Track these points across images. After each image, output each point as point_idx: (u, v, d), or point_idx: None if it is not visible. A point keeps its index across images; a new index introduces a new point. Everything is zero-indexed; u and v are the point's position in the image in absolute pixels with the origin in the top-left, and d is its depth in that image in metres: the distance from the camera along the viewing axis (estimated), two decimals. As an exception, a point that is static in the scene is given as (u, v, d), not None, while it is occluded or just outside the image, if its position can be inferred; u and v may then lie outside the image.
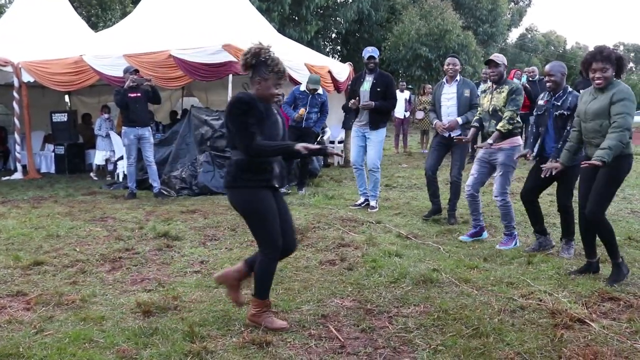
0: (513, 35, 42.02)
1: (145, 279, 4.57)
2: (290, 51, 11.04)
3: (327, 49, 31.39)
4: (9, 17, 13.09)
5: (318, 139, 11.51)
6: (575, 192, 4.97)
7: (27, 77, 10.70)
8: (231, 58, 8.91)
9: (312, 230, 6.13)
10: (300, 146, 3.27)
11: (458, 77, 6.71)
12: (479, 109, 5.99)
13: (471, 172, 5.89)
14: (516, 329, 3.53)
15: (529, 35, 43.50)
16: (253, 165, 3.37)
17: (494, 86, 5.75)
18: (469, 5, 29.47)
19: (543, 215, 5.51)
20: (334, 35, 31.69)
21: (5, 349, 3.17)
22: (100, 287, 4.34)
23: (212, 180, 8.68)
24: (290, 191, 8.55)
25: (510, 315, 3.78)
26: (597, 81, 4.30)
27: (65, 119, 11.87)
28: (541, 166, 4.99)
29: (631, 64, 52.27)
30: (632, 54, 52.22)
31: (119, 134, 9.55)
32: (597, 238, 4.62)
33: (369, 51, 7.38)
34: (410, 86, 19.63)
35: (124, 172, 9.72)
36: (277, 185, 3.52)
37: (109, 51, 9.96)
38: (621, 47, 55.71)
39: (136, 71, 8.57)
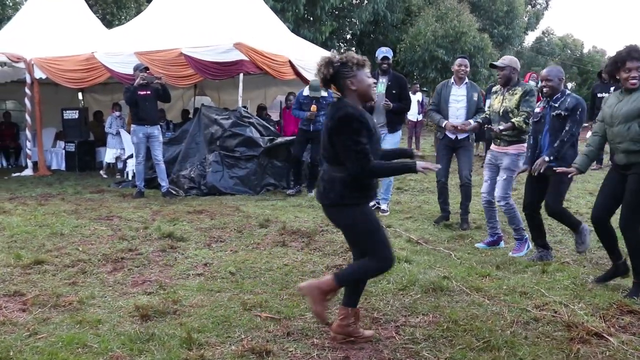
0: (530, 39, 41.63)
1: (147, 281, 4.45)
2: (303, 51, 10.92)
3: (342, 50, 31.25)
4: (24, 14, 13.09)
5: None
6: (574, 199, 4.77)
7: (39, 74, 10.70)
8: (242, 57, 8.82)
9: (320, 234, 5.99)
10: (421, 166, 3.12)
11: (466, 79, 6.56)
12: (488, 109, 5.84)
13: (484, 179, 5.74)
14: (529, 343, 3.36)
15: (546, 39, 43.02)
16: (361, 184, 3.19)
17: (507, 87, 5.58)
18: (485, 7, 29.19)
19: (545, 230, 5.32)
20: (348, 36, 31.55)
21: (-4, 353, 3.07)
22: (99, 288, 4.23)
23: (221, 180, 8.57)
24: (301, 192, 8.42)
25: (523, 328, 3.61)
26: (632, 81, 4.06)
27: (77, 116, 11.84)
28: (533, 167, 4.87)
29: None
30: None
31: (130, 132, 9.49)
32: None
33: (383, 52, 7.23)
34: (425, 88, 19.43)
35: (133, 170, 9.65)
36: (373, 202, 3.41)
37: (120, 49, 9.90)
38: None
39: (146, 69, 8.48)
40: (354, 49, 31.98)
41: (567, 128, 4.78)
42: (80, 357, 3.06)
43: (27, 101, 11.17)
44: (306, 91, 8.60)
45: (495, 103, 5.64)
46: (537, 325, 3.66)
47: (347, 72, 3.17)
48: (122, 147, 10.94)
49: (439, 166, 3.36)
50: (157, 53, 9.44)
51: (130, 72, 8.80)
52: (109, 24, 18.98)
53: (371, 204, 7.22)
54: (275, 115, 13.29)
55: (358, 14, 26.36)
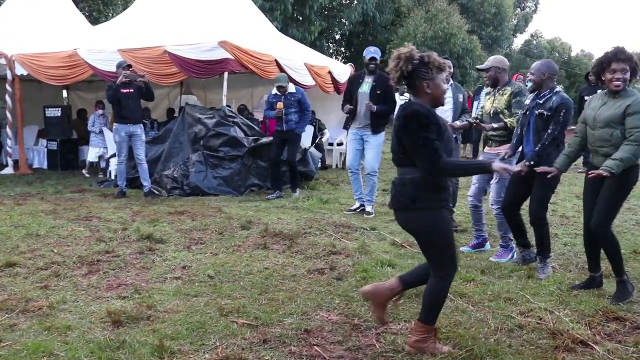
0: (518, 41, 41.78)
1: (122, 284, 4.31)
2: (290, 51, 10.82)
3: (331, 50, 31.15)
4: (6, 9, 12.86)
5: (317, 141, 11.31)
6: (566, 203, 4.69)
7: (20, 70, 10.49)
8: (227, 55, 8.69)
9: (303, 236, 5.87)
10: (498, 167, 2.99)
11: (451, 81, 6.48)
12: (480, 110, 5.76)
13: (472, 182, 5.65)
14: (513, 351, 3.27)
15: (534, 42, 43.19)
16: (432, 184, 3.05)
17: (497, 88, 5.49)
18: (474, 9, 29.22)
19: (526, 228, 5.23)
20: (338, 36, 31.46)
21: (-44, 361, 2.93)
22: (72, 292, 4.09)
23: (204, 180, 8.42)
24: (284, 194, 8.29)
25: (507, 335, 3.51)
26: (616, 82, 4.00)
27: (59, 114, 11.64)
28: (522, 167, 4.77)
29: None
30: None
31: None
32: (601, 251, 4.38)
33: (371, 52, 7.13)
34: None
35: (115, 169, 9.48)
36: (450, 205, 3.26)
37: (104, 45, 9.74)
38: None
39: (129, 66, 8.32)
40: (343, 49, 31.94)
41: (549, 130, 4.63)
42: (45, 366, 2.93)
43: (8, 98, 10.96)
44: (274, 90, 8.38)
45: (488, 104, 5.56)
46: (522, 332, 3.57)
47: (425, 73, 3.05)
48: (105, 145, 10.75)
49: (517, 168, 3.20)
50: (140, 50, 9.29)
51: (114, 69, 8.63)
52: (95, 21, 18.77)
53: (356, 205, 7.25)
54: (261, 115, 13.16)
55: (347, 14, 26.28)
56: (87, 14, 21.25)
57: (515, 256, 5.35)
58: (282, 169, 8.55)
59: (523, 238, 5.16)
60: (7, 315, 3.60)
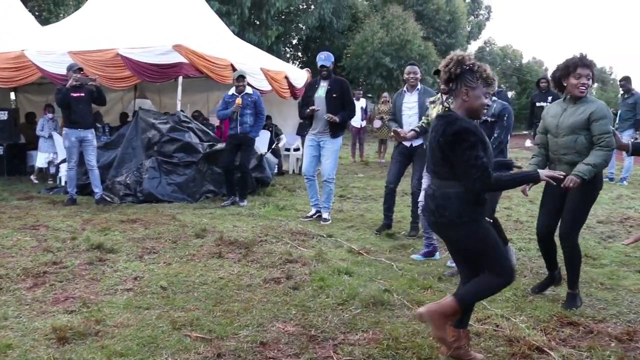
0: (472, 48, 42.60)
1: (69, 297, 4.12)
2: (247, 55, 10.71)
3: (288, 55, 31.09)
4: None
5: (273, 146, 11.21)
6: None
7: (-37, 72, 10.02)
8: (182, 59, 8.53)
9: (259, 244, 5.77)
10: (545, 175, 2.94)
11: (419, 86, 6.50)
12: (425, 119, 5.78)
13: (423, 187, 5.63)
14: (471, 360, 3.26)
15: (487, 49, 44.15)
16: (477, 199, 3.04)
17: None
18: (429, 16, 29.64)
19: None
20: (295, 41, 31.43)
21: None
22: (15, 307, 3.88)
23: (158, 187, 8.22)
24: (235, 202, 8.13)
25: (464, 344, 3.50)
26: (582, 88, 4.04)
27: (6, 118, 11.16)
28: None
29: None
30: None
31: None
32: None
33: (321, 59, 7.10)
34: (369, 95, 19.47)
35: (65, 176, 9.17)
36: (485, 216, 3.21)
37: (53, 47, 9.40)
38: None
39: (80, 69, 8.07)
40: (300, 54, 31.94)
41: (495, 135, 4.79)
42: (-17, 388, 2.76)
43: (-50, 101, 10.49)
44: (231, 91, 8.24)
45: (434, 113, 5.57)
46: (479, 340, 3.57)
47: (470, 80, 3.02)
48: (54, 151, 10.38)
49: (563, 174, 3.15)
50: (92, 53, 9.01)
51: (64, 71, 8.35)
52: (45, 21, 18.19)
53: (313, 212, 7.19)
54: (217, 120, 12.98)
55: (304, 19, 26.29)
56: (36, 13, 20.59)
57: (439, 256, 5.55)
58: (237, 175, 8.39)
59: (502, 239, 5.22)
60: (-57, 334, 3.40)
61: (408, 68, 6.57)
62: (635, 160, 11.89)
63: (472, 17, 38.12)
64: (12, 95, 14.29)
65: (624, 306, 4.27)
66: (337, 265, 5.08)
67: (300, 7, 27.57)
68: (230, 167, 8.18)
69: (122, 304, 3.97)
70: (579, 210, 4.16)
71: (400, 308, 4.11)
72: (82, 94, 7.89)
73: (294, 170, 12.31)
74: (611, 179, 11.24)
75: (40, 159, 10.57)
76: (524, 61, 46.32)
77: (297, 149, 12.32)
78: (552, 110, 4.31)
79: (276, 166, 10.76)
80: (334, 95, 6.96)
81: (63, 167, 9.59)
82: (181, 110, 9.13)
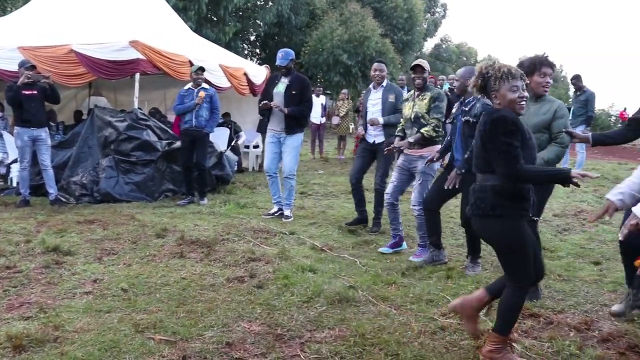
0: (429, 45, 43.12)
1: (25, 303, 3.98)
2: (205, 52, 10.55)
3: (246, 52, 30.83)
4: None
5: (233, 144, 11.10)
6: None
7: None
8: (138, 55, 8.33)
9: (221, 243, 5.70)
10: (576, 174, 2.88)
11: (385, 83, 6.53)
12: (402, 119, 5.82)
13: (391, 180, 5.73)
14: (437, 354, 3.29)
15: (444, 46, 44.77)
16: (512, 192, 3.05)
17: (416, 93, 5.60)
18: (387, 13, 29.83)
19: (441, 229, 5.36)
20: (253, 37, 31.19)
21: None
22: (-33, 314, 3.73)
23: (116, 186, 8.03)
24: (193, 202, 8.01)
25: (430, 338, 3.53)
26: (546, 87, 4.19)
27: (-48, 117, 10.75)
28: (447, 182, 4.84)
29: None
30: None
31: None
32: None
33: (279, 58, 7.05)
34: (328, 91, 19.49)
35: (17, 176, 8.86)
36: (530, 215, 3.16)
37: (2, 42, 9.05)
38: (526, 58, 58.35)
39: (33, 67, 7.80)
40: (258, 50, 31.73)
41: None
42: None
43: None
44: (187, 86, 8.14)
45: (407, 110, 5.64)
46: (444, 334, 3.60)
47: (493, 85, 3.13)
48: (5, 150, 10.01)
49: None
50: (44, 49, 8.70)
51: (15, 68, 8.05)
52: (-8, 17, 17.55)
53: (275, 209, 7.14)
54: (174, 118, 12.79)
55: (262, 15, 26.08)
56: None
57: (405, 245, 5.64)
58: (195, 172, 8.27)
59: (438, 238, 5.29)
60: None
61: (375, 65, 6.61)
62: (587, 156, 12.26)
63: (429, 15, 38.56)
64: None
65: (581, 297, 4.39)
66: (301, 262, 5.06)
67: (258, 3, 27.35)
68: (188, 164, 8.04)
69: (81, 308, 3.85)
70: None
71: (365, 304, 4.12)
72: (35, 92, 7.63)
73: (253, 168, 12.22)
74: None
75: (-10, 159, 10.19)
76: (479, 58, 47.15)
77: (256, 146, 12.23)
78: None
79: (236, 164, 10.65)
80: (293, 92, 6.93)
81: (14, 168, 9.27)
82: (139, 108, 8.94)
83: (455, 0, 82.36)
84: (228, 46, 20.91)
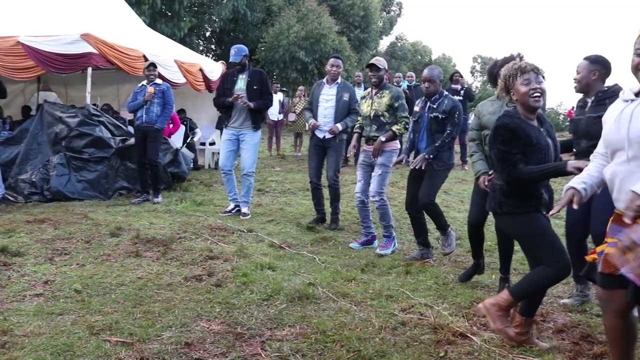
0: (384, 43, 43.47)
1: (-29, 305, 3.81)
2: (160, 47, 10.34)
3: (201, 47, 30.44)
4: None
5: (188, 141, 10.92)
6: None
7: None
8: (90, 49, 8.09)
9: (178, 241, 5.59)
10: (572, 166, 2.91)
11: (339, 80, 6.53)
12: (359, 117, 5.85)
13: (357, 179, 5.78)
14: (399, 349, 3.29)
15: (399, 44, 45.20)
16: (518, 192, 3.22)
17: (374, 91, 5.63)
18: (343, 11, 29.92)
19: (427, 228, 5.41)
20: (208, 33, 30.82)
21: None
22: None
23: (67, 184, 7.78)
24: (149, 200, 7.84)
25: (391, 333, 3.54)
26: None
27: None
28: (412, 161, 5.00)
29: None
30: (487, 67, 55.95)
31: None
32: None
33: (233, 55, 6.96)
34: (285, 88, 19.41)
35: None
36: (544, 212, 3.22)
37: (-56, 35, 8.67)
38: (479, 60, 59.57)
39: (-23, 60, 7.49)
40: (213, 46, 31.39)
41: (448, 130, 4.96)
42: None
43: None
44: (142, 83, 8.00)
45: (365, 107, 5.68)
46: (405, 329, 3.62)
47: (510, 84, 3.23)
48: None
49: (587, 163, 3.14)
50: (-11, 41, 8.38)
51: (-44, 62, 7.72)
52: None
53: (231, 206, 7.05)
54: (129, 114, 12.49)
55: (218, 11, 25.79)
56: None
57: (396, 245, 5.63)
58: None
59: (424, 238, 5.36)
60: None
61: (332, 60, 6.59)
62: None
63: (385, 13, 38.87)
64: None
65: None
66: (260, 260, 5.01)
67: (214, -2, 27.04)
68: (143, 161, 7.85)
69: (31, 311, 3.70)
70: None
71: (325, 301, 4.10)
72: (-21, 86, 7.34)
73: (209, 165, 12.06)
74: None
75: None
76: (434, 57, 47.82)
77: (212, 143, 12.07)
78: (487, 108, 4.40)
79: (192, 161, 10.48)
80: (255, 87, 6.86)
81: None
82: (93, 104, 8.69)
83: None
84: (183, 42, 20.56)
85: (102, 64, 8.49)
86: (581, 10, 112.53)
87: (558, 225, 5.49)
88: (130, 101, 8.07)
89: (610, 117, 2.62)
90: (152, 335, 3.36)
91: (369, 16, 30.89)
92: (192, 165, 10.21)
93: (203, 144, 12.05)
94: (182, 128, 10.99)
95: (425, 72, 5.09)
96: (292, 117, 15.03)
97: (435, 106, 4.97)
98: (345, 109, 6.46)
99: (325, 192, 6.79)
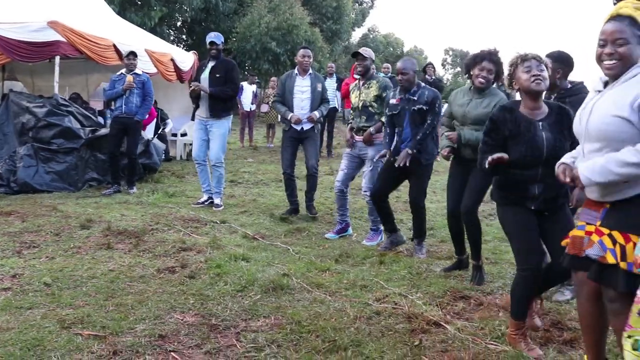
0: (357, 35, 43.44)
1: (-64, 300, 3.70)
2: (130, 36, 10.16)
3: (172, 37, 29.98)
4: None
5: (160, 132, 10.78)
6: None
7: None
8: (58, 37, 7.89)
9: (150, 233, 5.51)
10: (490, 159, 3.09)
11: (310, 70, 6.52)
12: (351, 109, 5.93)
13: (341, 167, 5.83)
14: (374, 338, 3.31)
15: (371, 36, 45.22)
16: (501, 182, 3.31)
17: (362, 82, 5.69)
18: (316, 2, 29.79)
19: (392, 213, 5.47)
20: (179, 23, 30.38)
21: None
22: None
23: (35, 176, 7.61)
24: (122, 189, 7.73)
25: (366, 323, 3.56)
26: (481, 79, 4.31)
27: None
28: (394, 158, 4.99)
29: (458, 68, 56.55)
30: (458, 59, 56.40)
31: None
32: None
33: (211, 37, 6.94)
34: (257, 80, 19.27)
35: None
36: (532, 208, 3.18)
37: None
38: (450, 52, 60.04)
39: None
40: (184, 37, 30.99)
41: (428, 121, 4.98)
42: None
43: None
44: (120, 72, 7.92)
45: (354, 98, 5.74)
46: (380, 319, 3.64)
47: (513, 75, 3.25)
48: None
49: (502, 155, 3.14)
50: (-49, 29, 8.12)
51: None
52: None
53: (204, 198, 6.99)
54: (98, 104, 12.26)
55: (189, 0, 25.43)
56: None
57: (383, 238, 5.63)
58: (123, 161, 7.97)
59: (392, 224, 5.40)
60: None
61: (302, 51, 6.58)
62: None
63: (357, 5, 38.83)
64: None
65: (508, 278, 4.55)
66: (233, 251, 4.98)
67: (185, -13, 26.64)
68: (115, 152, 7.75)
69: (0, 306, 3.61)
70: (478, 188, 4.36)
71: (300, 291, 4.10)
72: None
73: (181, 156, 11.93)
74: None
75: None
76: (405, 49, 48.00)
77: (184, 134, 11.93)
78: (459, 99, 4.51)
79: (163, 152, 10.35)
80: (217, 75, 6.79)
81: None
82: (62, 97, 8.50)
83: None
84: (154, 31, 20.24)
85: (70, 53, 8.29)
86: (551, 2, 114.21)
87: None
88: (107, 89, 7.94)
89: (580, 108, 2.67)
90: (125, 328, 3.31)
91: (341, 8, 30.81)
92: (163, 157, 10.09)
93: (175, 135, 11.91)
94: (154, 119, 10.84)
95: (399, 64, 5.10)
96: (264, 108, 14.95)
97: (415, 98, 4.96)
98: (319, 99, 6.51)
99: (299, 183, 6.78)
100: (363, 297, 3.99)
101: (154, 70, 9.95)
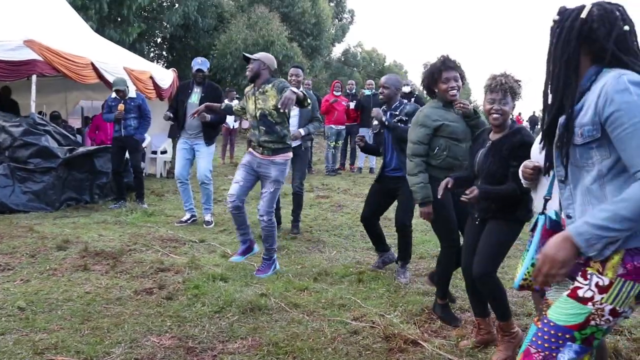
0: (338, 50, 43.70)
1: None
2: (108, 54, 10.12)
3: (152, 54, 29.93)
4: None
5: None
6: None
7: None
8: (35, 56, 7.85)
9: (128, 254, 5.47)
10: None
11: (301, 88, 6.53)
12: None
13: (235, 180, 5.01)
14: (351, 358, 3.32)
15: (352, 51, 45.53)
16: None
17: (255, 87, 5.00)
18: (295, 19, 29.97)
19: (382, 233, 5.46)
20: (159, 40, 30.34)
21: None
22: None
23: (12, 196, 7.51)
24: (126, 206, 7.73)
25: (344, 343, 3.56)
26: (452, 92, 3.96)
27: None
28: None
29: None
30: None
31: None
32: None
33: (198, 63, 6.99)
34: (237, 96, 19.28)
35: None
36: (476, 215, 3.49)
37: None
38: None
39: None
40: (164, 53, 30.93)
41: None
42: None
43: None
44: (114, 94, 8.13)
45: (250, 106, 5.03)
46: (357, 338, 3.65)
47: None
48: None
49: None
50: None
51: None
52: None
53: (187, 217, 6.96)
54: (76, 122, 12.19)
55: (168, 16, 25.43)
56: None
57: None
58: (125, 179, 8.36)
59: (383, 244, 5.39)
60: None
61: (292, 70, 6.67)
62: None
63: (337, 21, 39.13)
64: None
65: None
66: (212, 271, 4.96)
67: (164, 4, 26.63)
68: (118, 169, 8.13)
69: (-28, 330, 3.57)
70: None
71: (278, 311, 4.09)
72: None
73: (161, 174, 11.87)
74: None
75: None
76: (386, 64, 48.39)
77: (164, 152, 11.89)
78: (449, 116, 4.04)
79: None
80: (208, 102, 6.80)
81: None
82: (38, 113, 8.45)
83: (362, 6, 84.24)
84: (133, 48, 20.21)
85: (47, 72, 8.26)
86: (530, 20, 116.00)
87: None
88: (105, 112, 8.36)
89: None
90: (100, 353, 3.28)
91: (321, 24, 31.02)
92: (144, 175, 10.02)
93: (155, 152, 11.85)
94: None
95: (382, 79, 5.17)
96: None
97: (397, 112, 5.00)
98: (308, 117, 6.52)
99: (282, 200, 6.79)
100: (341, 317, 4.00)
101: (132, 88, 9.91)
